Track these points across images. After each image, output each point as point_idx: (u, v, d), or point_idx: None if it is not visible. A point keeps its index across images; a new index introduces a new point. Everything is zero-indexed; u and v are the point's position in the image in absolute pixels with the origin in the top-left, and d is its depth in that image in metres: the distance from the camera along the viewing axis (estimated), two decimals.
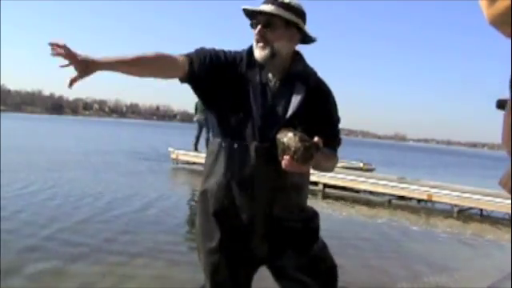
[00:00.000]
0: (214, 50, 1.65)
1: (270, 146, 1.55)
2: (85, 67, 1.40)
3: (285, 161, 1.48)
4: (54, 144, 19.95)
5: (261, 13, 1.62)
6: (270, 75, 1.65)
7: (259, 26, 1.62)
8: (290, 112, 1.60)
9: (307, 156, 1.48)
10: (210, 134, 1.80)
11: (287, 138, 1.49)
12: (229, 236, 1.60)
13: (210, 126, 1.75)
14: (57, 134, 29.88)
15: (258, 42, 1.63)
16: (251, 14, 1.65)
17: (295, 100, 1.62)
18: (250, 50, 1.67)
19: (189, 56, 1.60)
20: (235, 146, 1.58)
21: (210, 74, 1.60)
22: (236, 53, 1.68)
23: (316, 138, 1.48)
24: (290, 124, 1.57)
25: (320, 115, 1.67)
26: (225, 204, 1.59)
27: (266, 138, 1.57)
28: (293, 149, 1.47)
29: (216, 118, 1.67)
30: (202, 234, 1.66)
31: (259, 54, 1.63)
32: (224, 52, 1.65)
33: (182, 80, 1.61)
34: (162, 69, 1.57)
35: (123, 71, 1.51)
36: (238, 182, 1.57)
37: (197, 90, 1.66)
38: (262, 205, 1.59)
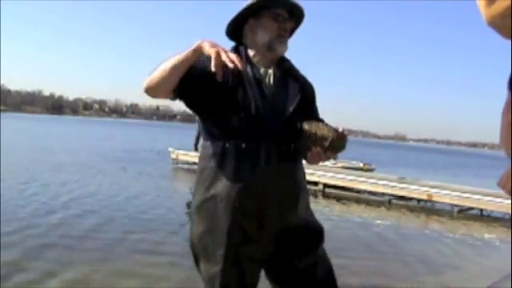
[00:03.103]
0: (201, 61, 1.57)
1: (279, 144, 1.55)
2: None
3: (315, 151, 1.47)
4: (79, 144, 20.75)
5: (294, 7, 1.64)
6: (262, 71, 1.63)
7: (288, 21, 1.64)
8: (292, 108, 1.59)
9: (341, 146, 1.48)
10: (201, 137, 1.74)
11: (320, 128, 1.47)
12: (241, 240, 1.55)
13: (200, 130, 1.68)
14: (69, 134, 30.28)
15: (283, 35, 1.63)
16: (267, 6, 1.62)
17: (292, 97, 1.62)
18: (236, 49, 1.65)
19: None
20: (243, 146, 1.53)
21: (199, 84, 1.55)
22: None
23: (341, 128, 1.48)
24: (292, 119, 1.56)
25: (310, 107, 1.70)
26: (236, 206, 1.53)
27: (273, 135, 1.55)
28: (330, 139, 1.45)
29: (211, 120, 1.61)
30: (205, 241, 1.58)
31: (284, 48, 1.64)
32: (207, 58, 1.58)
33: (173, 96, 1.57)
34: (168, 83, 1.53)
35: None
36: (250, 183, 1.52)
37: (189, 103, 1.61)
38: (274, 204, 1.56)
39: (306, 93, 1.70)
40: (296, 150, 1.59)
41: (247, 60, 1.62)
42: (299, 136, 1.53)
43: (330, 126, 1.49)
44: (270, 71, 1.64)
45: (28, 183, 8.30)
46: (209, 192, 1.57)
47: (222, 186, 1.54)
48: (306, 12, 1.67)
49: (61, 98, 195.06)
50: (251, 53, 1.65)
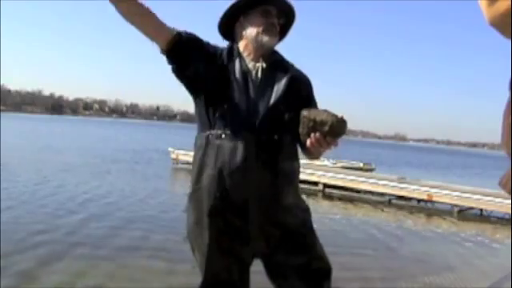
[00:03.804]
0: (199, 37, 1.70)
1: (259, 135, 1.56)
2: None
3: (314, 138, 1.47)
4: (83, 144, 21.05)
5: (283, 4, 1.68)
6: (250, 65, 1.67)
7: (276, 16, 1.68)
8: (272, 100, 1.61)
9: (341, 130, 1.48)
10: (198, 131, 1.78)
11: (318, 114, 1.47)
12: (223, 230, 1.58)
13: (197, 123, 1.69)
14: (72, 134, 30.58)
15: (271, 29, 1.67)
16: (259, 2, 1.67)
17: (278, 88, 1.64)
18: (231, 47, 1.70)
19: (177, 30, 1.63)
20: (223, 136, 1.57)
21: (196, 54, 1.62)
22: (216, 47, 1.71)
23: (340, 114, 1.49)
24: (274, 110, 1.59)
25: (303, 101, 1.67)
26: (217, 197, 1.56)
27: (253, 127, 1.57)
28: (329, 123, 1.45)
29: (200, 111, 1.67)
30: (195, 231, 1.62)
31: (272, 41, 1.68)
32: (207, 42, 1.70)
33: (167, 48, 1.61)
34: (150, 20, 1.59)
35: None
36: (229, 173, 1.55)
37: (182, 70, 1.64)
38: (255, 195, 1.57)
39: (300, 84, 1.71)
40: (280, 141, 1.60)
41: (238, 55, 1.67)
42: (283, 127, 1.55)
43: (329, 112, 1.49)
44: (258, 64, 1.67)
45: (42, 184, 8.40)
46: (196, 184, 1.62)
47: (206, 176, 1.58)
48: (296, 10, 1.71)
49: (61, 98, 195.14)
50: (241, 48, 1.70)
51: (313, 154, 1.65)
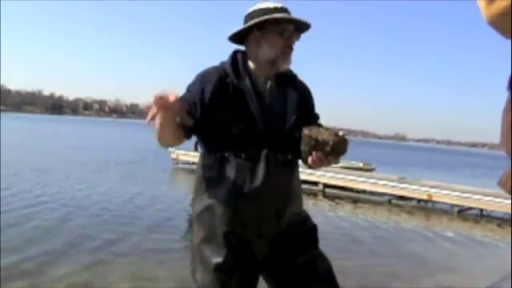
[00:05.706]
0: (194, 89, 1.57)
1: (276, 155, 1.55)
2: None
3: (316, 156, 1.47)
4: (91, 144, 21.39)
5: (302, 24, 1.60)
6: (261, 80, 1.62)
7: (293, 35, 1.61)
8: (286, 120, 1.59)
9: (343, 150, 1.48)
10: (199, 146, 1.72)
11: (320, 133, 1.47)
12: (237, 249, 1.56)
13: (198, 140, 1.67)
14: (77, 134, 30.94)
15: (289, 53, 1.61)
16: (273, 23, 1.58)
17: (290, 107, 1.62)
18: (234, 60, 1.63)
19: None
20: (243, 156, 1.54)
21: (203, 115, 1.54)
22: (216, 69, 1.62)
23: (341, 132, 1.48)
24: (291, 130, 1.57)
25: (308, 113, 1.69)
26: (233, 216, 1.54)
27: (272, 146, 1.55)
28: (331, 143, 1.45)
29: (211, 134, 1.59)
30: (205, 251, 1.58)
31: (288, 63, 1.62)
32: (204, 81, 1.58)
33: (187, 138, 1.58)
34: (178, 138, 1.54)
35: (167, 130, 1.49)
36: (248, 192, 1.53)
37: (201, 133, 1.61)
38: (272, 212, 1.58)
39: (306, 100, 1.70)
40: (293, 158, 1.60)
41: (246, 70, 1.61)
42: (298, 145, 1.54)
43: (331, 130, 1.48)
44: (269, 81, 1.64)
45: (76, 185, 8.62)
46: (208, 201, 1.58)
47: (220, 195, 1.55)
48: (311, 25, 1.62)
49: (61, 98, 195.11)
50: (251, 63, 1.64)
51: (313, 168, 1.64)
